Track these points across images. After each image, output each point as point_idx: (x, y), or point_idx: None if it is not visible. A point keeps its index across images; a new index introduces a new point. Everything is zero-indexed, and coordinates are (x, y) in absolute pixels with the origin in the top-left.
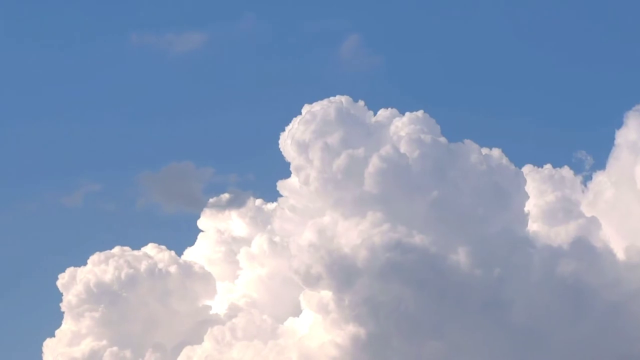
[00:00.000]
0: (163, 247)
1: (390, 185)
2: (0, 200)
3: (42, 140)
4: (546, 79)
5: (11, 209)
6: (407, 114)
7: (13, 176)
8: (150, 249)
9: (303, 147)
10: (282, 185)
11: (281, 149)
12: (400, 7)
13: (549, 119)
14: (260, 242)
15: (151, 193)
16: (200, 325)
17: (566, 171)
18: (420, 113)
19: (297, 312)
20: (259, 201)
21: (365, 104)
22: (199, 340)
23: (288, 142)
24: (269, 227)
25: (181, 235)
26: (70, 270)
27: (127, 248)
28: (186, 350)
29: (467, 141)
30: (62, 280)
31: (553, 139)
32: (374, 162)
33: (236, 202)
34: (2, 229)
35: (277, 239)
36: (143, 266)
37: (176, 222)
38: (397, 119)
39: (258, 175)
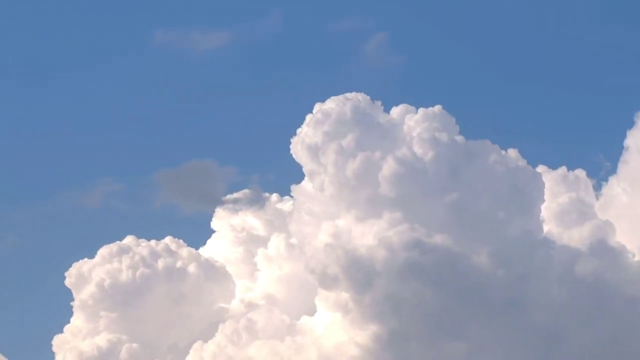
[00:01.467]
0: (181, 241)
1: (407, 187)
2: (20, 200)
3: (61, 138)
4: (563, 79)
5: (31, 208)
6: (423, 109)
7: (32, 175)
8: (169, 242)
9: (315, 151)
10: (296, 190)
11: (293, 154)
12: (428, 7)
13: (565, 120)
14: (277, 243)
15: (170, 191)
16: (216, 326)
17: (580, 173)
18: (437, 108)
19: (312, 312)
20: (274, 198)
21: (382, 103)
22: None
23: (299, 147)
24: (285, 228)
25: (199, 233)
26: (77, 265)
27: (142, 240)
28: (197, 346)
29: (485, 141)
30: (69, 279)
31: (568, 140)
32: (390, 165)
33: (253, 202)
34: (22, 229)
35: (293, 240)
36: (160, 264)
37: (195, 221)
38: (413, 115)
39: (279, 175)
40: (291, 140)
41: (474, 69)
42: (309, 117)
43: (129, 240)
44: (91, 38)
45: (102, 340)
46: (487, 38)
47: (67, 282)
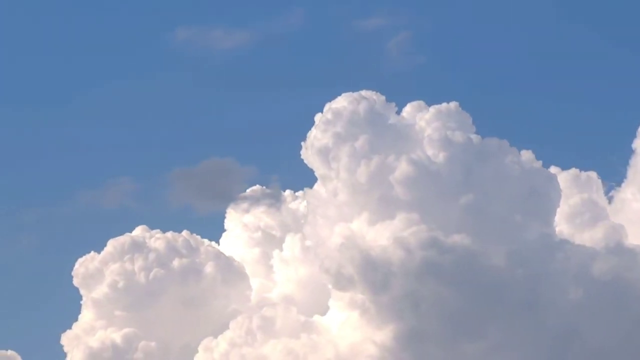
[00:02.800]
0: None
1: (422, 190)
2: (37, 201)
3: (78, 138)
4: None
5: (48, 209)
6: (437, 106)
7: (49, 176)
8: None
9: (326, 156)
10: (310, 193)
11: (304, 159)
12: (451, 7)
13: (578, 122)
14: (292, 244)
15: (187, 190)
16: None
17: (591, 174)
18: (453, 105)
19: (327, 313)
20: (290, 197)
21: (398, 103)
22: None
23: (309, 152)
24: (300, 227)
25: (216, 233)
26: (85, 259)
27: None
28: (206, 342)
29: (502, 141)
30: (77, 276)
31: (580, 142)
32: (404, 167)
33: (271, 200)
34: (39, 229)
35: (308, 242)
36: (176, 264)
37: (212, 219)
38: (426, 113)
39: (298, 175)
40: (302, 144)
41: (492, 70)
42: (318, 117)
43: (140, 233)
44: (112, 36)
45: (114, 336)
46: (505, 40)
47: (75, 282)
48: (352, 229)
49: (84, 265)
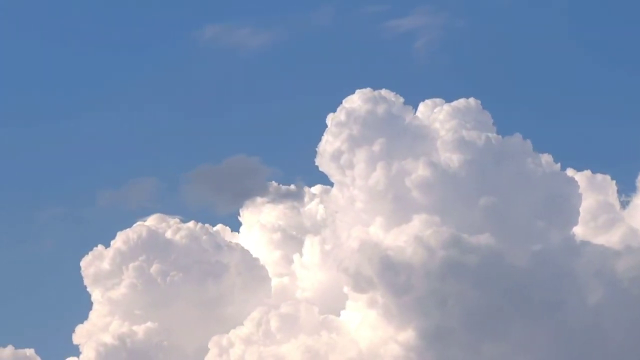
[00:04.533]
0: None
1: (441, 193)
2: (57, 201)
3: (105, 133)
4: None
5: (69, 209)
6: (455, 103)
7: (69, 176)
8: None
9: (341, 162)
10: (327, 198)
11: (318, 165)
12: (482, 9)
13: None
14: (310, 247)
15: (210, 188)
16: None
17: (605, 176)
18: (472, 100)
19: (347, 312)
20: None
21: (410, 106)
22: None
23: (324, 158)
24: (319, 227)
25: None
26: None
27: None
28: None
29: (526, 142)
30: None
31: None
32: (422, 171)
33: (290, 199)
34: (60, 230)
35: (327, 246)
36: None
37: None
38: (444, 110)
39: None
40: (316, 149)
41: (519, 73)
42: (330, 118)
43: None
44: (138, 33)
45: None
46: (525, 44)
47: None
48: (371, 232)
49: (93, 262)
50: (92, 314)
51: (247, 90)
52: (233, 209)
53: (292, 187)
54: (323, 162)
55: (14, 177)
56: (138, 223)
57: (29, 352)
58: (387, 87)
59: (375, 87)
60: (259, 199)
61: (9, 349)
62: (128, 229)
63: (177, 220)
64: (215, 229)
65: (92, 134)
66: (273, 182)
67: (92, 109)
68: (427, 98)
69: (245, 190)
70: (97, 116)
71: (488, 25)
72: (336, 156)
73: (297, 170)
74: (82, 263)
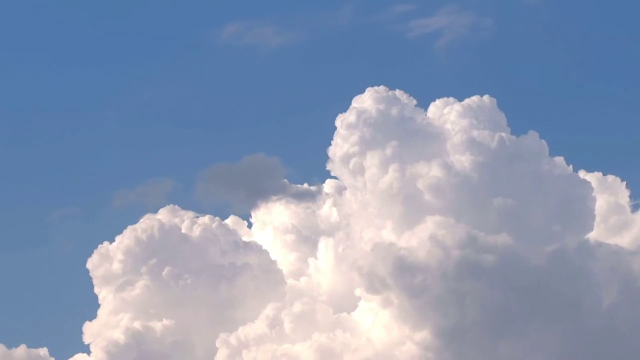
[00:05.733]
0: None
1: (454, 195)
2: (74, 202)
3: (122, 134)
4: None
5: (86, 210)
6: (467, 101)
7: (87, 176)
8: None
9: (352, 166)
10: (339, 201)
11: (330, 170)
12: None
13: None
14: (325, 250)
15: (227, 187)
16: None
17: (615, 178)
18: (487, 98)
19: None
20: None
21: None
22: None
23: (335, 164)
24: (334, 233)
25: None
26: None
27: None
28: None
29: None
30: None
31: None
32: (435, 173)
33: (305, 200)
34: (77, 231)
35: (340, 247)
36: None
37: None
38: (456, 109)
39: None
40: (327, 152)
41: (536, 76)
42: (339, 120)
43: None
44: (156, 33)
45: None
46: (545, 44)
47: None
48: (384, 235)
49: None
50: (102, 312)
51: (266, 89)
52: (247, 209)
53: (307, 186)
54: (334, 167)
55: (29, 177)
56: (147, 216)
57: (43, 351)
58: (404, 87)
59: (392, 87)
60: (273, 199)
61: (22, 348)
62: (137, 224)
63: (192, 214)
64: (228, 221)
65: (108, 133)
66: (287, 181)
67: (108, 108)
68: (444, 97)
69: (261, 189)
70: (113, 115)
71: (514, 24)
72: (347, 160)
73: (315, 171)
74: (90, 261)
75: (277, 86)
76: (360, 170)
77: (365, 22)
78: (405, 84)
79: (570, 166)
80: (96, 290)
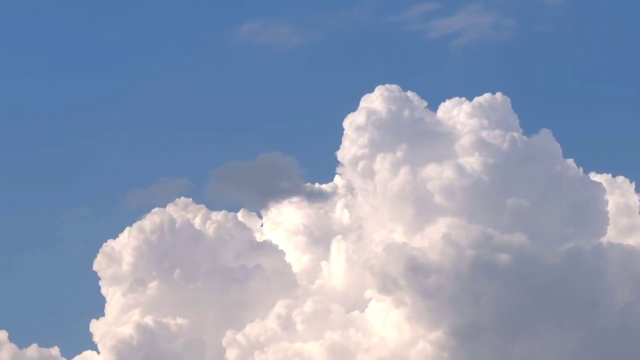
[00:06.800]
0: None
1: (467, 196)
2: (87, 202)
3: (139, 132)
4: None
5: (99, 209)
6: (477, 100)
7: (100, 176)
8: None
9: (362, 170)
10: (350, 203)
11: (340, 174)
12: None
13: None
14: (337, 252)
15: (243, 186)
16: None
17: (624, 179)
18: (499, 95)
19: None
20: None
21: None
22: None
23: (345, 168)
24: (346, 235)
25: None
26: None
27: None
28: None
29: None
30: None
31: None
32: (447, 175)
33: (319, 199)
34: (91, 232)
35: (352, 249)
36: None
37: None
38: (466, 109)
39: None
40: (336, 154)
41: (551, 79)
42: (348, 122)
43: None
44: (172, 31)
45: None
46: (559, 45)
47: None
48: (396, 237)
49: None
50: (110, 311)
51: (283, 89)
52: (259, 209)
53: (320, 186)
54: (344, 170)
55: (41, 177)
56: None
57: (54, 351)
58: (418, 87)
59: (406, 88)
60: (285, 199)
61: (34, 347)
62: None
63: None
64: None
65: (121, 132)
66: (302, 181)
67: (122, 107)
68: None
69: (274, 189)
70: (127, 114)
71: (536, 24)
72: (356, 163)
73: (331, 172)
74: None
75: (291, 86)
76: (370, 174)
77: (385, 22)
78: (420, 84)
79: (581, 168)
80: (103, 290)
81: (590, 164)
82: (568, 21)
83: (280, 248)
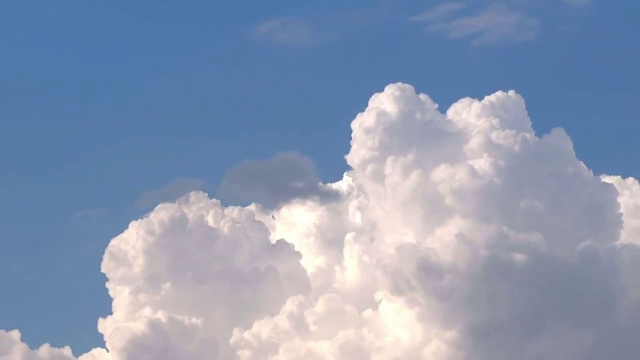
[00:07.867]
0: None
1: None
2: (101, 203)
3: (152, 131)
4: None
5: (113, 210)
6: (488, 99)
7: (114, 177)
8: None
9: (372, 173)
10: (362, 205)
11: (349, 177)
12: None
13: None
14: (350, 254)
15: (259, 185)
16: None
17: (633, 181)
18: (512, 93)
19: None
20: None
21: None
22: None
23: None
24: (359, 236)
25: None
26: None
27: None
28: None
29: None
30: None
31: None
32: (459, 176)
33: (329, 201)
34: (102, 233)
35: (365, 251)
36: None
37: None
38: (476, 109)
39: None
40: (345, 158)
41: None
42: (356, 124)
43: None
44: (191, 28)
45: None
46: (567, 46)
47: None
48: (406, 239)
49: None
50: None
51: (301, 88)
52: (271, 207)
53: (332, 185)
54: (355, 173)
55: (55, 177)
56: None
57: (66, 351)
58: (433, 87)
59: (420, 88)
60: (299, 200)
61: (45, 347)
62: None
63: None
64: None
65: (137, 130)
66: (317, 181)
67: (139, 106)
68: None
69: (289, 188)
70: (144, 112)
71: (559, 25)
72: (365, 165)
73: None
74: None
75: (309, 85)
76: (380, 176)
77: (408, 22)
78: (437, 84)
79: (591, 171)
80: (108, 285)
81: (600, 166)
82: (591, 21)
83: (295, 249)
